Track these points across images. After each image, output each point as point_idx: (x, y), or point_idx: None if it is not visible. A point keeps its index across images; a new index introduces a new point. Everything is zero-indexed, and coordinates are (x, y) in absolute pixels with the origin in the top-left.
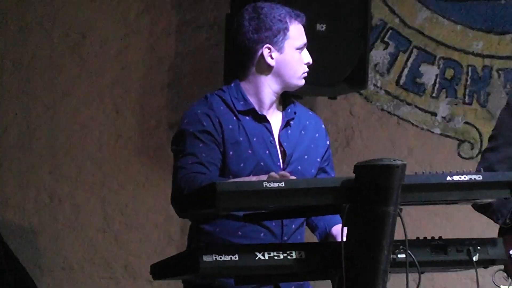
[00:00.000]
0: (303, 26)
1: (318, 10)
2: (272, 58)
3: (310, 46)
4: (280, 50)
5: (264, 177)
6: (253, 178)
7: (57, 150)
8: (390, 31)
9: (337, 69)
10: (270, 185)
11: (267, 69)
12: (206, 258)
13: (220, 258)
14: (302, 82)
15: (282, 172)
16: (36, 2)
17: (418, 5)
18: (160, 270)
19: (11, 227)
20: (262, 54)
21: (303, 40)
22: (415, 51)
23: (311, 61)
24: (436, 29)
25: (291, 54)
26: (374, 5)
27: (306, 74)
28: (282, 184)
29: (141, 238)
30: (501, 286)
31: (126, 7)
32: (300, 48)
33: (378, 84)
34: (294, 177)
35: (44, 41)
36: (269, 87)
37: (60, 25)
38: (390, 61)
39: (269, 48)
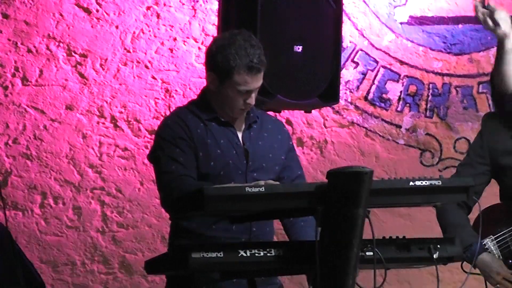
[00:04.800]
0: (260, 74)
1: (296, 33)
2: (213, 85)
3: (288, 65)
4: (221, 84)
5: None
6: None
7: (61, 159)
8: (360, 52)
9: (312, 86)
10: (251, 189)
11: (212, 91)
12: (195, 255)
13: (207, 255)
14: (237, 115)
15: (268, 181)
16: (43, 26)
17: (385, 29)
18: (153, 266)
19: (20, 228)
20: (207, 77)
21: (247, 88)
22: (381, 70)
23: (252, 104)
24: (401, 50)
25: (229, 93)
26: (345, 29)
27: (244, 111)
28: (262, 189)
29: (136, 237)
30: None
31: (123, 30)
32: (243, 92)
33: (349, 100)
34: (275, 182)
35: (50, 61)
36: (217, 106)
37: (64, 47)
38: (359, 79)
39: (213, 76)
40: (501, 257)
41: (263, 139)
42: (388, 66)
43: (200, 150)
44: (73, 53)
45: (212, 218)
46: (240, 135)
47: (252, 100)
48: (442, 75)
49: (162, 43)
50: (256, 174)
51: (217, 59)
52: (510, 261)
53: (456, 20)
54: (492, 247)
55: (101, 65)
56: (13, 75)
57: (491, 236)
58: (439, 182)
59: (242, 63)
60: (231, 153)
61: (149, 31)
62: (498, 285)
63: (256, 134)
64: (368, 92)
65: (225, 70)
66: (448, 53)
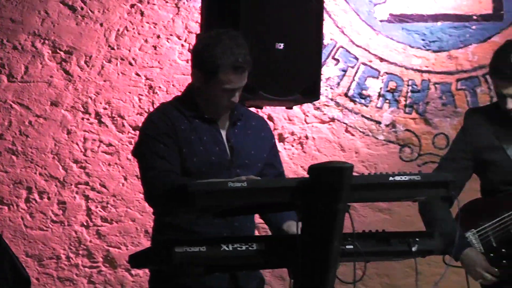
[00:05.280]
0: (245, 73)
1: (278, 31)
2: (199, 82)
3: (270, 62)
4: (206, 82)
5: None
6: (221, 179)
7: (46, 154)
8: (340, 49)
9: (294, 83)
10: (234, 185)
11: (197, 88)
12: (178, 249)
13: (190, 249)
14: (221, 113)
15: (250, 176)
16: (28, 24)
17: (365, 27)
18: (137, 260)
19: (6, 222)
20: (192, 73)
21: (232, 86)
22: (361, 66)
23: (236, 102)
24: (380, 47)
25: (214, 91)
26: (326, 27)
27: (228, 109)
28: (244, 184)
29: (120, 231)
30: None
31: (108, 28)
32: (227, 90)
33: (329, 96)
34: (257, 178)
35: (36, 58)
36: (202, 103)
37: (49, 44)
38: (340, 75)
39: (197, 74)
40: (482, 251)
41: (246, 137)
42: (368, 63)
43: (184, 146)
44: (58, 50)
45: (195, 213)
46: (224, 132)
47: (236, 98)
48: (421, 72)
49: (146, 41)
50: (239, 171)
51: (203, 57)
52: (492, 255)
53: (435, 17)
54: (473, 240)
55: (85, 62)
56: None
57: (473, 230)
58: (418, 178)
59: (228, 62)
60: (215, 149)
61: (133, 28)
62: (481, 280)
63: (240, 132)
64: (348, 89)
65: (210, 68)
66: (427, 50)
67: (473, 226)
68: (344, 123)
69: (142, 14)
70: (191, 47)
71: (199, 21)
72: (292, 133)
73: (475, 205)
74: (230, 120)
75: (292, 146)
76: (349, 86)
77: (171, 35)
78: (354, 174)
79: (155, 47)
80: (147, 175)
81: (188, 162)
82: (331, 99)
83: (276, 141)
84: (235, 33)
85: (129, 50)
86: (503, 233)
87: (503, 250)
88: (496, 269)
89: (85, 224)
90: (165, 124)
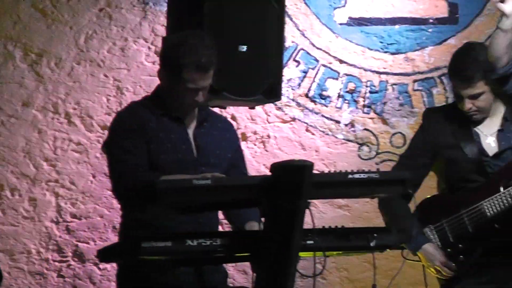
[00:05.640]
0: (209, 72)
1: (241, 34)
2: (164, 81)
3: (234, 64)
4: (171, 80)
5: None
6: (187, 176)
7: (17, 152)
8: (301, 51)
9: (256, 84)
10: (199, 182)
11: (164, 87)
12: (145, 244)
13: (156, 244)
14: (187, 111)
15: (215, 174)
16: (0, 27)
17: (325, 29)
18: (105, 254)
19: None
20: (159, 73)
21: (195, 85)
22: (322, 68)
23: (200, 101)
24: (340, 49)
25: (178, 90)
26: (288, 29)
27: (193, 108)
28: (209, 181)
29: (89, 226)
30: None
31: (77, 31)
32: (192, 90)
33: (291, 96)
34: (222, 175)
35: (7, 60)
36: (170, 100)
37: (21, 47)
38: (301, 77)
39: (163, 73)
40: (440, 246)
41: (212, 137)
42: (328, 65)
43: (151, 142)
44: (29, 53)
45: (161, 208)
46: (190, 131)
47: (200, 97)
48: (379, 73)
49: (114, 43)
50: (204, 169)
51: (168, 56)
52: (449, 250)
53: (393, 21)
54: (431, 236)
55: (56, 64)
56: None
57: (431, 225)
58: (376, 175)
59: (191, 61)
60: (181, 147)
61: (102, 31)
62: (438, 273)
63: (206, 131)
64: (309, 90)
65: (174, 67)
66: (385, 52)
67: (431, 222)
68: (305, 122)
69: (110, 18)
70: (157, 50)
71: (165, 24)
72: (255, 133)
73: (433, 202)
74: (197, 120)
75: (255, 145)
76: (310, 87)
77: (138, 38)
78: (314, 172)
79: (122, 50)
80: (116, 169)
81: (155, 159)
82: (292, 100)
83: (240, 140)
84: (201, 34)
85: (98, 53)
86: (460, 229)
87: (460, 245)
88: (454, 264)
89: (55, 220)
90: (134, 121)
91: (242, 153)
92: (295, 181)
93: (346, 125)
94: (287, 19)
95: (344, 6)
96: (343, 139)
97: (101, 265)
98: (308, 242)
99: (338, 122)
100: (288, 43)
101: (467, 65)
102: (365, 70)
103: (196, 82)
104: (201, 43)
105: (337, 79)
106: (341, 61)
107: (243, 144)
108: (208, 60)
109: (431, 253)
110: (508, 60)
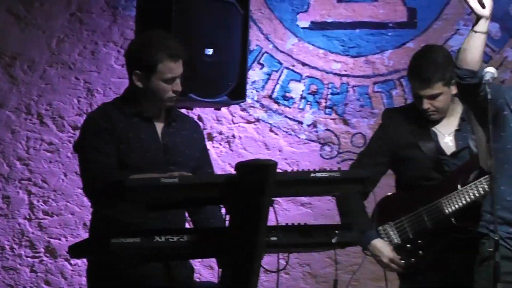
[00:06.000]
0: (180, 60)
1: (207, 37)
2: (140, 82)
3: (200, 66)
4: (147, 78)
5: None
6: (155, 175)
7: None
8: (265, 54)
9: (221, 85)
10: (166, 180)
11: (139, 89)
12: (114, 240)
13: (125, 240)
14: (170, 104)
15: (182, 172)
16: None
17: (288, 33)
18: (76, 250)
19: None
20: (132, 77)
21: (172, 74)
22: (285, 71)
23: (179, 90)
24: (302, 53)
25: (157, 84)
26: (252, 33)
27: (173, 98)
28: (176, 180)
29: (60, 223)
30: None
31: (49, 35)
32: (169, 80)
33: (255, 98)
34: (189, 174)
35: None
36: (145, 102)
37: None
38: (264, 79)
39: (138, 75)
40: (400, 242)
41: (181, 137)
42: (291, 68)
43: (121, 142)
44: (3, 55)
45: (130, 206)
46: (159, 131)
47: (178, 86)
48: (340, 75)
49: (85, 47)
50: (173, 168)
51: (140, 56)
52: (408, 246)
53: (354, 25)
54: (391, 232)
55: (28, 66)
56: None
57: (390, 222)
58: (337, 174)
59: (164, 53)
60: (151, 147)
61: (73, 35)
62: (387, 268)
63: (174, 131)
64: (272, 91)
65: (149, 64)
66: (346, 55)
67: (391, 219)
68: (269, 123)
69: (81, 22)
70: None
71: (134, 28)
72: (220, 133)
73: (392, 199)
74: (166, 120)
75: (220, 144)
76: (273, 89)
77: (108, 41)
78: (278, 170)
79: (93, 53)
80: (86, 168)
81: (125, 158)
82: (257, 101)
83: (206, 140)
84: (162, 31)
85: (69, 56)
86: (419, 226)
87: (419, 241)
88: (402, 262)
89: (27, 217)
90: (105, 121)
91: (208, 153)
92: (259, 179)
93: (308, 125)
94: (251, 24)
95: (306, 11)
96: (306, 139)
97: (72, 261)
98: (272, 238)
99: (300, 122)
100: (252, 46)
101: (426, 67)
102: (327, 72)
103: (173, 70)
104: (166, 36)
105: (300, 81)
106: (304, 64)
107: (209, 144)
108: (179, 48)
109: (379, 249)
110: (481, 64)
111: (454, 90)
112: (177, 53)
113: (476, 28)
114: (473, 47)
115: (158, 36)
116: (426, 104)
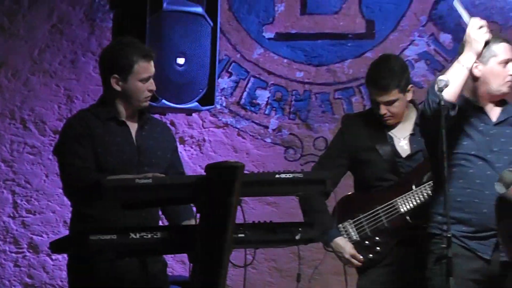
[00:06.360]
0: (152, 61)
1: (179, 47)
2: (118, 85)
3: (172, 74)
4: (124, 80)
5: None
6: (130, 176)
7: None
8: (233, 63)
9: (192, 92)
10: (141, 181)
11: (117, 92)
12: (92, 237)
13: (103, 237)
14: (145, 104)
15: (155, 174)
16: None
17: (255, 44)
18: (57, 246)
19: None
20: (110, 81)
21: (147, 73)
22: (252, 79)
23: (154, 89)
24: (268, 62)
25: (134, 85)
26: (221, 44)
27: (148, 98)
28: (150, 181)
29: (42, 221)
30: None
31: (32, 45)
32: (144, 79)
33: (224, 104)
34: (162, 175)
35: None
36: (122, 105)
37: None
38: (233, 86)
39: (116, 78)
40: (358, 239)
41: (153, 139)
42: (258, 76)
43: (98, 146)
44: None
45: (108, 205)
46: (134, 134)
47: (153, 85)
48: (304, 83)
49: (65, 56)
50: (146, 168)
51: (115, 61)
52: (366, 242)
53: (316, 36)
54: (350, 230)
55: (12, 74)
56: None
57: (350, 220)
58: (300, 175)
59: (138, 55)
60: (126, 149)
61: (54, 45)
62: (348, 263)
63: (147, 134)
64: (240, 98)
65: (125, 66)
66: (309, 64)
67: (350, 217)
68: (237, 128)
69: (61, 33)
70: None
71: (111, 39)
72: (192, 137)
73: (352, 199)
74: (139, 124)
75: (192, 148)
76: (241, 95)
77: (86, 51)
78: (245, 172)
79: (72, 62)
80: (66, 171)
81: (102, 160)
82: (225, 107)
83: (178, 143)
84: (130, 37)
85: (50, 64)
86: (376, 224)
87: (377, 238)
88: (362, 257)
89: (11, 215)
90: (82, 127)
91: (178, 154)
92: (227, 180)
93: (273, 130)
94: (220, 35)
95: (272, 23)
96: (271, 142)
97: (54, 256)
98: (240, 235)
99: (266, 127)
100: (221, 56)
101: (383, 75)
102: (291, 80)
103: (147, 70)
104: (136, 41)
105: (265, 88)
106: (269, 73)
107: (181, 147)
108: (150, 50)
109: (341, 246)
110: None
111: (409, 96)
112: (149, 53)
113: (466, 63)
114: (458, 80)
115: (129, 41)
116: (383, 110)
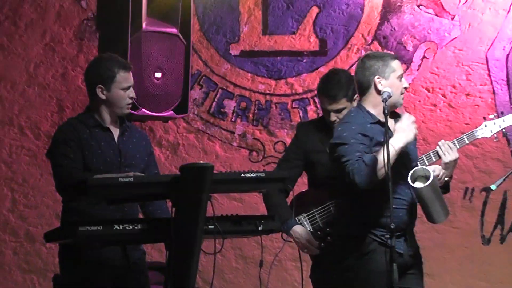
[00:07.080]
0: (131, 72)
1: (156, 63)
2: (103, 94)
3: (151, 87)
4: (108, 90)
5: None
6: (113, 175)
7: None
8: (204, 77)
9: (168, 102)
10: (123, 179)
11: (102, 101)
12: (81, 228)
13: (90, 228)
14: (127, 111)
15: (136, 173)
16: None
17: (222, 60)
18: (50, 236)
19: None
20: (96, 91)
21: (128, 83)
22: (220, 90)
23: (134, 96)
24: (234, 76)
25: (117, 93)
26: (193, 60)
27: (130, 105)
28: (131, 179)
29: (38, 215)
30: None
31: (27, 60)
32: (125, 88)
33: (196, 113)
34: (141, 174)
35: None
36: (106, 112)
37: None
38: (203, 97)
39: (101, 88)
40: (311, 230)
41: (132, 143)
42: (225, 88)
43: (85, 149)
44: None
45: (94, 200)
46: (116, 139)
47: (133, 93)
48: (265, 94)
49: (57, 70)
50: (127, 169)
51: (99, 73)
52: (319, 233)
53: (276, 53)
54: (304, 222)
55: (11, 86)
56: None
57: (304, 213)
58: (263, 174)
59: (119, 66)
60: (109, 152)
61: (47, 61)
62: (305, 250)
63: (127, 139)
64: (210, 107)
65: (109, 77)
66: (270, 78)
67: (304, 211)
68: (207, 133)
69: (53, 50)
70: None
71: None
72: (168, 141)
73: (306, 195)
74: (120, 130)
75: (168, 150)
76: (211, 105)
77: (76, 66)
78: (215, 172)
79: (63, 76)
80: (57, 171)
81: (89, 162)
82: (197, 115)
83: (155, 147)
84: (110, 52)
85: (44, 78)
86: (327, 217)
87: (328, 229)
88: (318, 242)
89: (10, 209)
90: (71, 132)
91: (154, 157)
92: (199, 179)
93: (239, 135)
94: (192, 52)
95: (237, 42)
96: (237, 146)
97: (47, 245)
98: (210, 226)
99: (233, 132)
100: (193, 70)
101: (332, 86)
102: (254, 92)
103: (128, 79)
104: (114, 55)
105: (232, 99)
106: (235, 85)
107: (158, 150)
108: (128, 62)
109: (299, 232)
110: None
111: (355, 104)
112: (128, 65)
113: (396, 145)
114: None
115: (109, 55)
116: (333, 117)
